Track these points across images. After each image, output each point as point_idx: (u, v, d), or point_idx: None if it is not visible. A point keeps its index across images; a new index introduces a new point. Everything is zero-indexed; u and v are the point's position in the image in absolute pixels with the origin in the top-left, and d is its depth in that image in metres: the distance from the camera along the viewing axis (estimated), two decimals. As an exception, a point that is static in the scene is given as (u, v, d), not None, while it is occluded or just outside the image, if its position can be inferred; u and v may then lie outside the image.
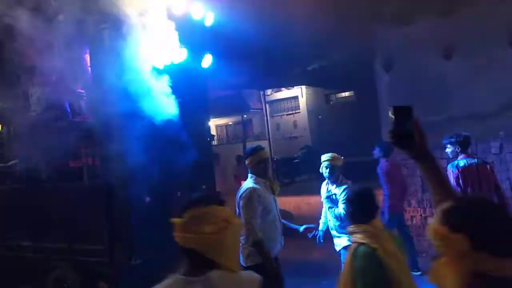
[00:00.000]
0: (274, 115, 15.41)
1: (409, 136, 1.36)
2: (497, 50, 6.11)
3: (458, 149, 3.98)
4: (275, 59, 8.86)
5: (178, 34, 5.20)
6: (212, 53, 5.74)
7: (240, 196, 3.09)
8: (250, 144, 13.72)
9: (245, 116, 14.86)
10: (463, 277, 1.04)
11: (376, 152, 5.28)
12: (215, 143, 13.62)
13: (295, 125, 15.06)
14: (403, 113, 1.43)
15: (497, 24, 6.09)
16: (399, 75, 7.11)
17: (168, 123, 5.12)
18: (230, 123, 16.18)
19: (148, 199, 4.49)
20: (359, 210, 2.20)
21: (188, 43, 5.20)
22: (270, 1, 6.38)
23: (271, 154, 12.64)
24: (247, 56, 8.07)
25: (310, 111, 14.63)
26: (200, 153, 5.40)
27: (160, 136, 5.01)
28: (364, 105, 10.81)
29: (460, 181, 3.78)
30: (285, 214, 8.55)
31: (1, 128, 6.01)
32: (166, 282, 1.49)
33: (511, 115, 5.80)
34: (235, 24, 6.26)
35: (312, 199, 7.83)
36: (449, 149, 4.07)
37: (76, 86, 5.59)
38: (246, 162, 3.30)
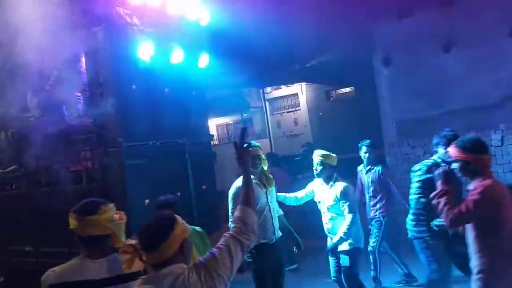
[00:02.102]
0: (275, 113, 15.36)
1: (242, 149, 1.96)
2: (497, 41, 6.06)
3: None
4: (273, 57, 8.82)
5: (174, 34, 5.18)
6: (210, 53, 5.70)
7: (230, 193, 3.41)
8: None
9: (245, 114, 14.82)
10: None
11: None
12: (216, 143, 13.59)
13: (295, 122, 15.00)
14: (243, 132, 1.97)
15: (496, 15, 6.03)
16: (399, 70, 7.05)
17: (167, 124, 5.11)
18: (231, 122, 16.14)
19: (147, 201, 4.47)
20: None
21: (184, 43, 5.18)
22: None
23: (272, 152, 12.60)
24: (246, 55, 8.03)
25: (310, 108, 14.55)
26: (199, 153, 5.38)
27: (159, 137, 5.00)
28: (365, 101, 10.74)
29: None
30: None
31: (0, 134, 6.00)
32: (73, 261, 2.11)
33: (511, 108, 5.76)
34: (232, 23, 6.22)
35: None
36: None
37: (73, 89, 5.58)
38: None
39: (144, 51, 4.66)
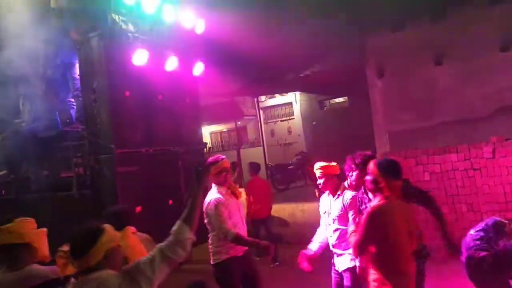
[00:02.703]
0: (269, 121, 15.42)
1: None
2: (487, 55, 6.15)
3: None
4: (268, 66, 8.86)
5: (169, 42, 5.19)
6: (205, 61, 5.72)
7: (206, 208, 3.37)
8: (245, 151, 13.77)
9: (239, 122, 14.84)
10: None
11: None
12: (209, 151, 13.57)
13: (289, 131, 15.06)
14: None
15: (486, 30, 6.13)
16: (391, 81, 7.12)
17: (160, 131, 5.10)
18: (225, 130, 16.15)
19: (138, 208, 4.44)
20: None
21: (179, 51, 5.19)
22: (263, 8, 6.38)
23: (265, 161, 12.61)
24: (240, 63, 8.05)
25: (304, 117, 14.63)
26: (192, 161, 5.36)
27: (152, 144, 4.99)
28: (358, 111, 10.83)
29: None
30: (280, 222, 8.53)
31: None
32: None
33: (502, 119, 5.82)
34: (227, 31, 6.26)
35: (307, 206, 7.77)
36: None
37: (66, 95, 5.56)
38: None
39: (139, 58, 4.67)
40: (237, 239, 3.32)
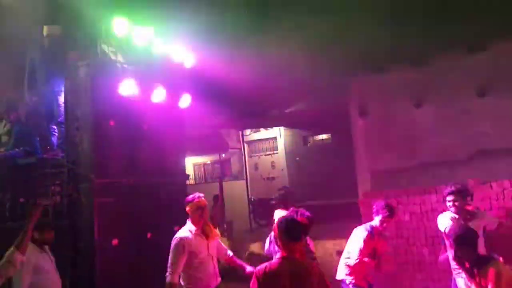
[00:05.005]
0: (253, 155, 15.45)
1: None
2: (465, 100, 6.41)
3: None
4: (254, 101, 9.01)
5: (157, 74, 5.25)
6: (192, 93, 5.79)
7: (172, 240, 3.58)
8: (228, 183, 13.67)
9: (223, 155, 14.82)
10: None
11: None
12: (193, 182, 13.42)
13: (273, 165, 15.09)
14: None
15: (464, 76, 6.42)
16: (374, 121, 7.30)
17: (143, 162, 5.05)
18: (209, 162, 16.08)
19: (115, 241, 4.31)
20: None
21: (167, 83, 5.25)
22: (250, 47, 6.56)
23: (248, 195, 12.52)
24: (227, 97, 8.17)
25: (288, 152, 14.73)
26: (174, 192, 5.29)
27: (133, 175, 4.91)
28: (341, 148, 10.98)
29: None
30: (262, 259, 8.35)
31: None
32: None
33: (479, 163, 5.99)
34: (216, 67, 6.38)
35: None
36: None
37: (49, 122, 5.50)
38: (187, 208, 3.73)
39: (126, 88, 4.69)
40: (170, 287, 3.44)
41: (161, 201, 5.09)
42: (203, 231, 3.67)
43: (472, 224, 3.78)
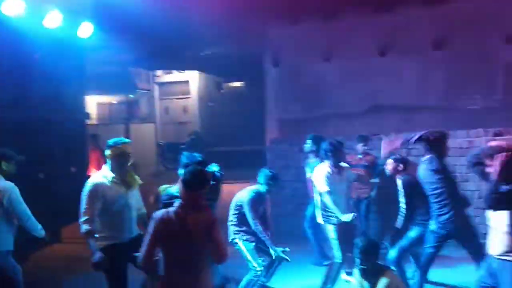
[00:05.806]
0: (163, 98, 14.88)
1: None
2: (369, 57, 6.90)
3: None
4: (167, 40, 8.50)
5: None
6: (94, 22, 5.22)
7: (84, 190, 3.22)
8: (135, 126, 13.12)
9: (131, 96, 14.02)
10: None
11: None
12: (95, 123, 12.59)
13: (185, 110, 14.78)
14: None
15: (370, 34, 6.85)
16: (285, 72, 7.50)
17: (35, 95, 4.53)
18: (114, 102, 15.10)
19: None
20: None
21: (63, 6, 4.63)
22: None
23: (157, 139, 12.22)
24: (137, 32, 7.57)
25: (201, 97, 14.49)
26: (71, 131, 4.91)
27: (23, 108, 4.40)
28: (253, 96, 11.16)
29: None
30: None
31: None
32: None
33: (374, 117, 6.62)
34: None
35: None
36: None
37: None
38: (106, 153, 3.34)
39: (11, 7, 4.02)
40: (85, 237, 3.14)
41: (55, 138, 4.67)
42: (123, 181, 3.31)
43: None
